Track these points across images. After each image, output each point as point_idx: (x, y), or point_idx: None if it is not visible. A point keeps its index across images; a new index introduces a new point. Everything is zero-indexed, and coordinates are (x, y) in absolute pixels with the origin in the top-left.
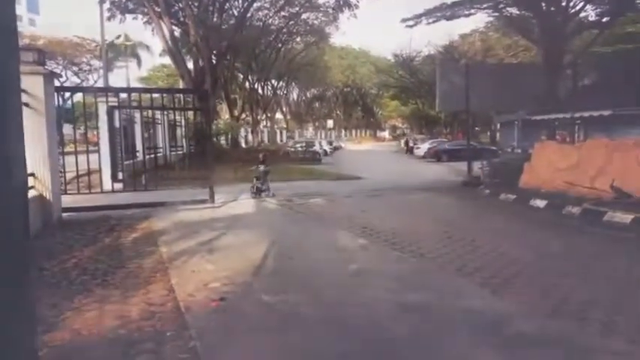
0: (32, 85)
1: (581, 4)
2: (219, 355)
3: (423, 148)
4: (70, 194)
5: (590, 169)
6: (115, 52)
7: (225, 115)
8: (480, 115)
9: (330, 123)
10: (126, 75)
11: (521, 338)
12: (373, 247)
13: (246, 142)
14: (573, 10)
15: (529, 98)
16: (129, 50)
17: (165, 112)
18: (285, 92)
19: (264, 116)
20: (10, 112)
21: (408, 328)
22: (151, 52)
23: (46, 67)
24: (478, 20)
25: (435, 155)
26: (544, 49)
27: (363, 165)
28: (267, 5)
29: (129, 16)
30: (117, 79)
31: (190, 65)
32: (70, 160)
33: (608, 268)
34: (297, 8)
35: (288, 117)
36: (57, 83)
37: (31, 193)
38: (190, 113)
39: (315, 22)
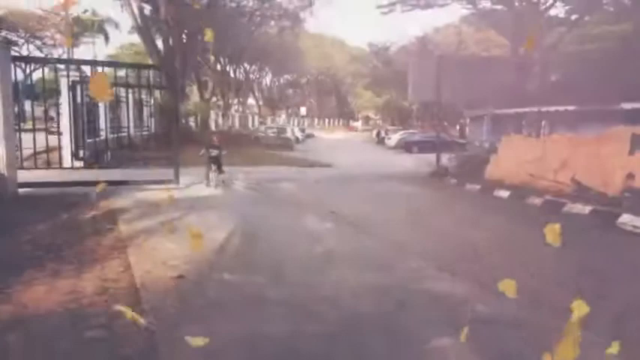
0: None
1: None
2: (173, 330)
3: (394, 139)
4: (26, 169)
5: (554, 163)
6: (81, 27)
7: (195, 97)
8: (451, 109)
9: (303, 110)
10: (92, 52)
11: (475, 315)
12: (339, 230)
13: (217, 125)
14: (544, 7)
15: (499, 91)
16: (96, 26)
17: (132, 91)
18: (257, 77)
19: (235, 100)
20: None
21: (368, 305)
22: (119, 29)
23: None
24: (453, 12)
25: (405, 146)
26: (515, 43)
27: (334, 153)
28: None
29: None
30: (83, 56)
31: (160, 45)
32: (29, 137)
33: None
34: None
35: (261, 103)
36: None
37: None
38: (158, 93)
39: (290, 6)
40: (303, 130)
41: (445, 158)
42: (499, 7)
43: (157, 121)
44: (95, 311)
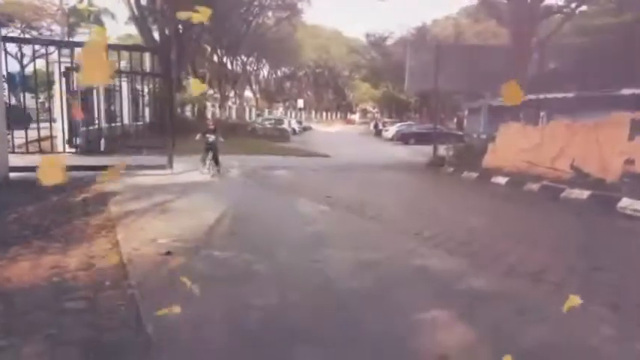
0: None
1: None
2: (158, 303)
3: (392, 130)
4: (18, 153)
5: (552, 150)
6: (77, 17)
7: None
8: (448, 101)
9: (300, 103)
10: None
11: (472, 293)
12: (334, 213)
13: (214, 116)
14: None
15: (497, 80)
16: (92, 16)
17: (127, 79)
18: (255, 69)
19: (232, 92)
20: None
21: (360, 283)
22: (116, 20)
23: None
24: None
25: (403, 138)
26: (513, 32)
27: (331, 145)
28: None
29: None
30: None
31: (157, 36)
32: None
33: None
34: None
35: (258, 95)
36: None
37: None
38: (153, 82)
39: None
40: (300, 123)
41: (442, 149)
42: None
43: (152, 111)
44: (78, 285)
